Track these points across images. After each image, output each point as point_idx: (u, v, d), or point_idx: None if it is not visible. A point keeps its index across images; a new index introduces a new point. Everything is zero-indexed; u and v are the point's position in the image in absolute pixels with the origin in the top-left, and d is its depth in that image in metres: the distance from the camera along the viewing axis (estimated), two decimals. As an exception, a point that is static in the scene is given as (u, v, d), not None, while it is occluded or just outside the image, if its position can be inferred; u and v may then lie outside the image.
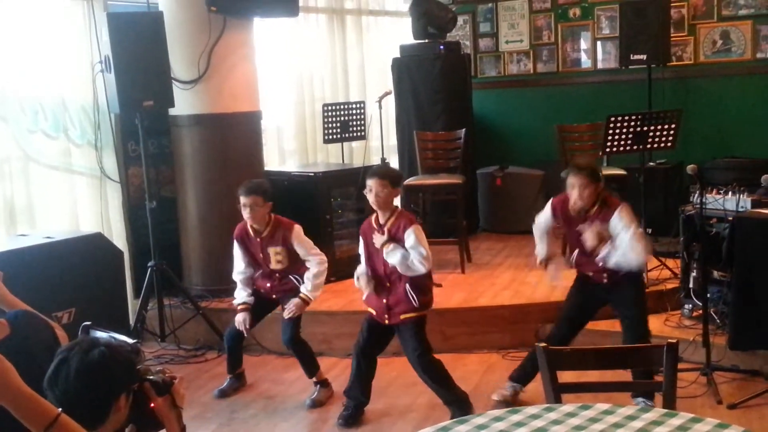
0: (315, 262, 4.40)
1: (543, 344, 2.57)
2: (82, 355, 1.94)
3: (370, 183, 3.92)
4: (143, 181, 5.46)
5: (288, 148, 7.14)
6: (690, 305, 4.89)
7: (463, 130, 6.60)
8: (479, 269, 6.14)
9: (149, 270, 5.31)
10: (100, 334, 2.93)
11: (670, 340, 2.50)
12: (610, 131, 5.34)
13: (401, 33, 7.68)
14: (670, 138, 5.40)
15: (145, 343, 5.35)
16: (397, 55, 7.28)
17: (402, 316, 3.98)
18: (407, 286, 3.94)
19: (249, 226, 4.42)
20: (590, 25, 7.67)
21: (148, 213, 5.34)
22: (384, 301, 4.00)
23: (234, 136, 5.73)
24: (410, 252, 3.85)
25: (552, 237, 4.32)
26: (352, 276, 5.94)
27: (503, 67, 8.11)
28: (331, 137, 6.70)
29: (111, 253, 5.09)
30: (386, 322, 4.04)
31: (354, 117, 6.79)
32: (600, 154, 5.84)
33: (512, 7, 8.00)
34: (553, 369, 2.55)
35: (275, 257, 4.39)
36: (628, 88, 7.11)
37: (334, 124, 6.68)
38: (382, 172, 4.01)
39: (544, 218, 4.25)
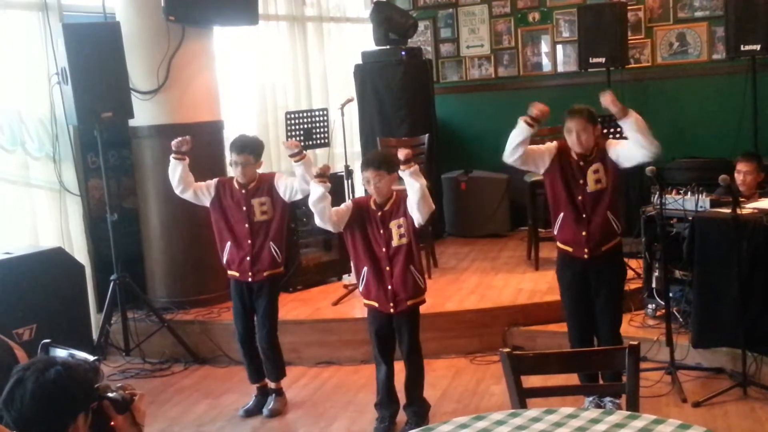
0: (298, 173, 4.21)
1: (507, 350, 2.58)
2: (38, 375, 1.90)
3: (367, 174, 3.84)
4: (104, 193, 5.38)
5: (251, 156, 7.08)
6: (653, 305, 4.94)
7: (427, 135, 6.62)
8: (445, 274, 6.16)
9: (112, 283, 5.24)
10: (60, 352, 2.89)
11: (631, 342, 2.53)
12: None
13: (363, 39, 7.68)
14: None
15: (110, 358, 5.30)
16: (359, 61, 7.28)
17: (410, 302, 3.90)
18: (411, 267, 3.87)
19: (234, 181, 4.30)
20: (549, 29, 7.74)
21: (110, 225, 5.27)
22: (389, 287, 3.87)
23: (196, 146, 5.56)
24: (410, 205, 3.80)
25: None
26: (318, 284, 5.99)
27: (465, 72, 8.16)
28: (294, 145, 6.66)
29: (72, 267, 5.01)
30: (392, 311, 3.91)
31: (317, 124, 6.76)
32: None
33: (472, 12, 8.04)
34: (518, 374, 2.56)
35: (260, 208, 4.25)
36: (588, 91, 7.10)
37: (298, 132, 6.64)
38: (378, 161, 3.88)
39: (538, 150, 4.04)
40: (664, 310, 4.57)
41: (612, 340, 3.88)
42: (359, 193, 6.84)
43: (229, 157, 4.34)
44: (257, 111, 7.05)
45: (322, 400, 4.56)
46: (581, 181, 3.92)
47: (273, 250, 4.29)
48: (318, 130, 6.75)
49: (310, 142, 6.72)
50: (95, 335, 5.28)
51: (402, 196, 3.90)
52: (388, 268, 3.89)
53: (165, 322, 5.32)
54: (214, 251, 5.73)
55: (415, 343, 3.99)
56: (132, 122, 5.54)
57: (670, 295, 4.57)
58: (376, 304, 3.94)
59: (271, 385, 4.45)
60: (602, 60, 6.83)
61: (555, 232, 4.04)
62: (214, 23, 5.82)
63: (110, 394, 2.08)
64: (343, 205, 4.00)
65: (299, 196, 4.24)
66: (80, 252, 5.54)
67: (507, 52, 7.95)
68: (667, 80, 7.26)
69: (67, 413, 1.92)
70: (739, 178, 4.98)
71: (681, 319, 4.69)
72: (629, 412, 2.34)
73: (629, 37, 7.05)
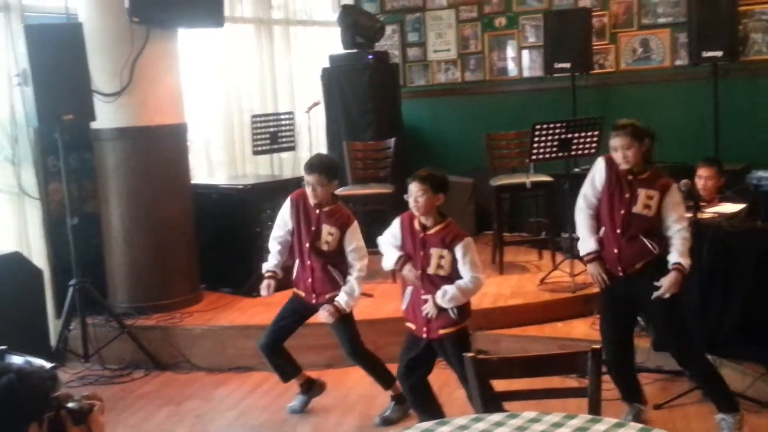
0: (357, 267, 4.12)
1: (471, 354, 2.58)
2: None
3: (411, 187, 3.67)
4: (64, 196, 5.29)
5: (216, 159, 7.04)
6: (616, 308, 4.97)
7: (393, 139, 6.62)
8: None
9: (71, 288, 5.14)
10: (16, 359, 2.82)
11: (594, 346, 2.54)
12: (536, 139, 5.43)
13: (330, 43, 7.66)
14: (594, 144, 5.52)
15: (69, 364, 5.20)
16: (327, 64, 7.26)
17: (441, 332, 3.71)
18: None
19: (309, 197, 4.12)
20: (516, 34, 7.79)
21: (70, 230, 5.18)
22: (424, 314, 3.69)
23: (159, 149, 5.61)
24: (464, 275, 3.63)
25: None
26: (282, 288, 5.91)
27: (431, 76, 8.17)
28: (260, 148, 6.63)
29: (30, 272, 4.93)
30: (424, 337, 3.75)
31: (283, 128, 6.73)
32: (527, 161, 5.94)
33: (439, 16, 8.07)
34: (482, 379, 2.56)
35: (327, 236, 4.10)
36: (554, 96, 7.24)
37: (264, 135, 6.61)
38: (423, 176, 3.72)
39: (594, 186, 3.83)
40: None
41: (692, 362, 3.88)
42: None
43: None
44: (223, 113, 7.00)
45: (285, 405, 4.51)
46: (627, 195, 3.79)
47: (337, 276, 4.16)
48: (284, 134, 6.73)
49: (276, 146, 6.70)
50: (54, 341, 5.18)
51: (454, 229, 3.73)
52: (422, 292, 3.72)
53: (125, 328, 5.24)
54: (178, 255, 5.72)
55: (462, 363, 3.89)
56: (94, 125, 5.45)
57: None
58: (413, 327, 3.81)
59: (389, 392, 4.30)
60: (567, 65, 6.89)
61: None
62: (179, 25, 5.76)
63: (70, 404, 2.04)
64: (390, 236, 3.82)
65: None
66: (39, 256, 5.44)
67: (473, 57, 7.98)
68: (631, 86, 7.34)
69: (19, 422, 1.88)
70: (700, 183, 5.03)
71: (642, 322, 4.72)
72: (591, 416, 2.34)
73: (594, 43, 7.12)
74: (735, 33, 6.52)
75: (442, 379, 4.70)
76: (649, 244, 3.76)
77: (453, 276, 3.67)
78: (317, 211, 4.13)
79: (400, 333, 5.11)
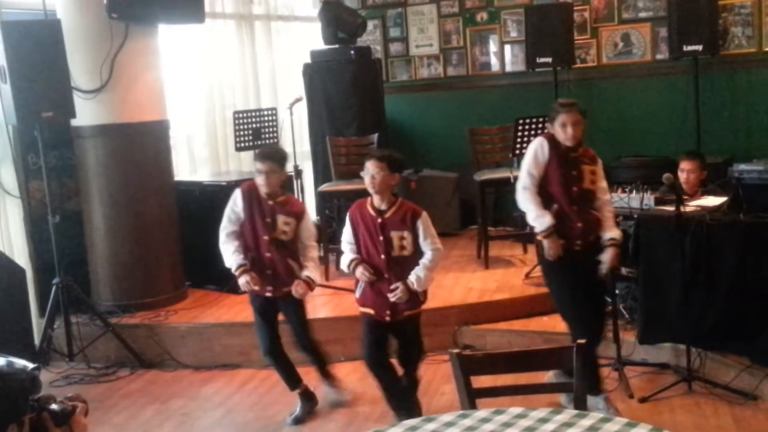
0: (313, 247, 4.22)
1: (457, 351, 2.58)
2: None
3: (368, 164, 3.74)
4: (45, 194, 5.24)
5: (199, 156, 7.00)
6: (600, 302, 5.00)
7: (376, 134, 6.61)
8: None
9: (54, 287, 5.10)
10: (-2, 359, 2.79)
11: (579, 341, 2.54)
12: (519, 133, 5.44)
13: (311, 38, 7.63)
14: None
15: (53, 364, 5.16)
16: (308, 60, 7.23)
17: (406, 313, 3.85)
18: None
19: (259, 189, 4.12)
20: (497, 29, 7.79)
21: (51, 228, 5.13)
22: (387, 296, 3.79)
23: (141, 146, 5.57)
24: (426, 251, 3.78)
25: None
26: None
27: (414, 71, 8.17)
28: (243, 145, 6.58)
29: (12, 271, 4.89)
30: (387, 319, 3.85)
31: (266, 124, 6.69)
32: (510, 156, 5.95)
33: (421, 11, 8.06)
34: (467, 374, 2.56)
35: (283, 226, 4.11)
36: (536, 91, 7.25)
37: (246, 132, 6.57)
38: (380, 154, 3.84)
39: (536, 164, 3.90)
40: (610, 307, 4.62)
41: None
42: (308, 192, 6.81)
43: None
44: (205, 109, 6.95)
45: (272, 402, 4.50)
46: (575, 173, 3.93)
47: (294, 265, 4.17)
48: (266, 130, 6.69)
49: (259, 142, 6.66)
50: (37, 340, 5.14)
51: (409, 207, 3.83)
52: (386, 276, 3.80)
53: (110, 326, 5.20)
54: (162, 253, 5.68)
55: (419, 347, 4.02)
56: (74, 122, 5.41)
57: (617, 292, 4.62)
58: (372, 312, 3.87)
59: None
60: (549, 60, 6.90)
61: None
62: (158, 21, 5.71)
63: (52, 406, 2.01)
64: (346, 231, 3.90)
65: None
66: (21, 255, 5.39)
67: (456, 52, 7.98)
68: (613, 80, 7.37)
69: None
70: (682, 176, 5.07)
71: (627, 316, 4.76)
72: (578, 411, 2.35)
73: (575, 38, 7.14)
74: (715, 27, 6.56)
75: (429, 374, 4.72)
76: (597, 217, 3.95)
77: (416, 253, 3.80)
78: (270, 202, 4.13)
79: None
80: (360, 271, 3.79)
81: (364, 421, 4.13)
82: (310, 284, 4.13)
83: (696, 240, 4.19)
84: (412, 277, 3.77)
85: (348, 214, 3.92)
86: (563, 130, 3.89)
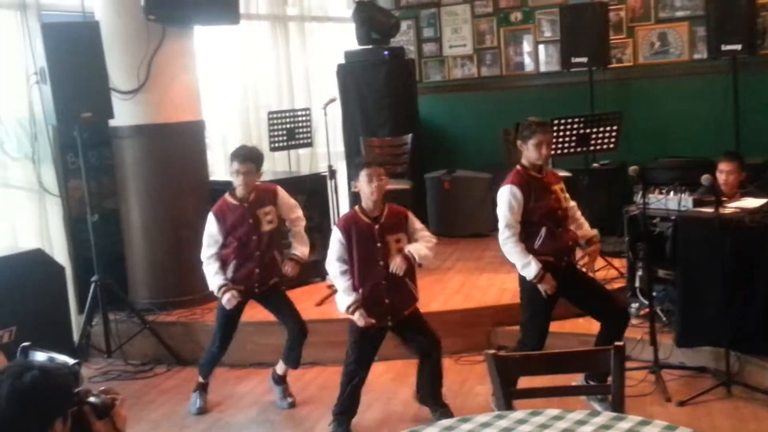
0: (300, 216, 4.41)
1: (493, 351, 2.57)
2: (14, 380, 1.86)
3: (370, 172, 3.79)
4: (84, 194, 5.32)
5: (234, 156, 7.05)
6: (637, 304, 4.95)
7: (410, 135, 6.62)
8: (430, 274, 6.12)
9: (93, 285, 5.18)
10: (39, 355, 2.84)
11: (617, 343, 2.52)
12: (554, 134, 5.39)
13: (345, 39, 7.66)
14: (612, 140, 5.49)
15: (91, 360, 5.24)
16: (342, 61, 7.25)
17: (406, 312, 3.92)
18: (407, 279, 3.88)
19: (229, 199, 4.30)
20: (532, 29, 7.75)
21: (90, 226, 5.21)
22: (387, 302, 3.86)
23: (177, 146, 5.63)
24: (422, 238, 3.88)
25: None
26: (302, 284, 5.94)
27: (447, 72, 8.15)
28: (277, 145, 6.64)
29: (52, 269, 4.96)
30: (389, 324, 3.91)
31: (300, 124, 6.74)
32: (545, 156, 5.90)
33: (455, 12, 8.04)
34: (503, 375, 2.55)
35: (266, 218, 4.29)
36: (571, 91, 7.20)
37: (280, 132, 6.62)
38: (379, 162, 4.01)
39: (515, 213, 3.91)
40: (647, 310, 4.58)
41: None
42: (342, 192, 6.83)
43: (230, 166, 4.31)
44: (239, 111, 7.01)
45: (307, 401, 4.53)
46: (554, 196, 4.00)
47: (278, 259, 4.40)
48: (301, 130, 6.74)
49: (293, 142, 6.71)
50: (76, 337, 5.22)
51: (396, 209, 3.93)
52: (384, 282, 3.85)
53: (147, 324, 5.27)
54: (196, 252, 5.72)
55: (435, 333, 4.05)
56: (112, 122, 5.48)
57: (654, 294, 4.57)
58: (373, 322, 3.88)
59: (286, 372, 4.51)
60: (584, 60, 6.84)
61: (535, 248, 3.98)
62: (194, 22, 5.77)
63: (90, 399, 2.05)
64: (332, 243, 3.91)
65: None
66: (60, 253, 5.47)
67: (489, 52, 7.95)
68: (649, 80, 7.29)
69: (44, 418, 1.89)
70: (721, 177, 4.99)
71: (665, 319, 4.70)
72: (616, 414, 2.33)
73: (611, 37, 7.08)
74: (754, 26, 6.46)
75: (463, 375, 4.72)
76: (575, 234, 4.09)
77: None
78: (245, 205, 4.27)
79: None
80: (358, 317, 3.82)
81: (398, 421, 4.12)
82: (298, 261, 4.33)
83: (735, 242, 4.13)
84: (410, 248, 3.82)
85: (338, 231, 3.86)
86: (537, 149, 3.92)
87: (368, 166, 3.84)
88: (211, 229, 4.30)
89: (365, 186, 3.80)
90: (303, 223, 4.45)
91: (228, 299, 4.24)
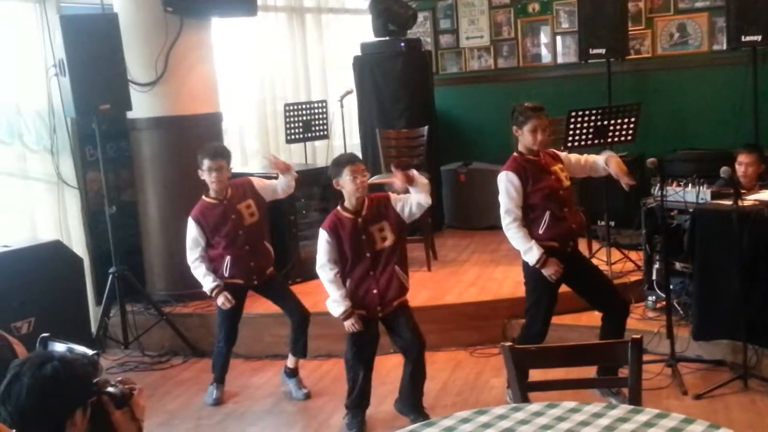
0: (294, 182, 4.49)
1: (509, 344, 2.56)
2: (35, 371, 1.88)
3: (354, 169, 3.77)
4: (102, 186, 5.36)
5: (250, 148, 7.08)
6: (654, 297, 4.93)
7: (426, 127, 6.60)
8: (445, 266, 6.14)
9: (110, 276, 5.22)
10: (58, 346, 2.87)
11: (634, 336, 2.51)
12: (572, 126, 5.36)
13: (362, 31, 7.64)
14: (630, 131, 5.44)
15: (109, 351, 5.29)
16: (358, 53, 7.24)
17: (395, 303, 3.85)
18: (396, 267, 3.83)
19: (207, 200, 4.36)
20: (549, 20, 7.70)
21: (108, 218, 5.25)
22: (374, 292, 3.83)
23: (194, 138, 5.61)
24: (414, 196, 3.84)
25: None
26: (317, 276, 5.93)
27: (464, 63, 8.12)
28: (293, 137, 6.65)
29: (70, 260, 5.00)
30: (380, 315, 3.88)
31: (316, 116, 6.75)
32: (561, 148, 5.87)
33: (472, 3, 8.00)
34: (520, 368, 2.55)
35: (247, 211, 4.35)
36: (588, 82, 7.15)
37: (297, 124, 6.63)
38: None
39: (512, 198, 3.94)
40: (664, 303, 4.56)
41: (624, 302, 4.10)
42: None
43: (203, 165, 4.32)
44: (256, 102, 7.02)
45: (321, 392, 4.54)
46: (553, 177, 3.97)
47: (269, 248, 4.48)
48: (317, 122, 6.74)
49: (309, 135, 6.72)
50: (94, 328, 5.27)
51: (376, 197, 3.90)
52: (371, 273, 3.84)
53: (164, 315, 5.30)
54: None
55: (418, 330, 3.96)
56: (130, 114, 5.52)
57: (671, 287, 4.55)
58: (364, 312, 3.88)
59: (297, 363, 4.56)
60: (602, 51, 6.77)
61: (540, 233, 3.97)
62: (212, 14, 5.79)
63: (109, 389, 2.07)
64: (321, 246, 3.87)
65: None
66: (79, 245, 5.52)
67: (506, 44, 7.91)
68: (668, 71, 7.23)
69: (64, 408, 1.91)
70: (740, 169, 4.95)
71: (681, 312, 4.68)
72: (632, 407, 2.32)
73: (629, 28, 6.99)
74: (775, 16, 6.37)
75: (478, 367, 4.72)
76: (582, 216, 4.09)
77: (396, 245, 3.83)
78: (225, 203, 4.31)
79: (434, 321, 5.13)
80: (350, 323, 3.83)
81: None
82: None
83: (754, 234, 4.09)
84: (413, 171, 3.82)
85: (325, 233, 3.83)
86: (533, 135, 3.93)
87: (352, 163, 3.80)
88: (193, 233, 4.37)
89: (349, 184, 3.78)
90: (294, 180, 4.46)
91: (222, 302, 4.33)
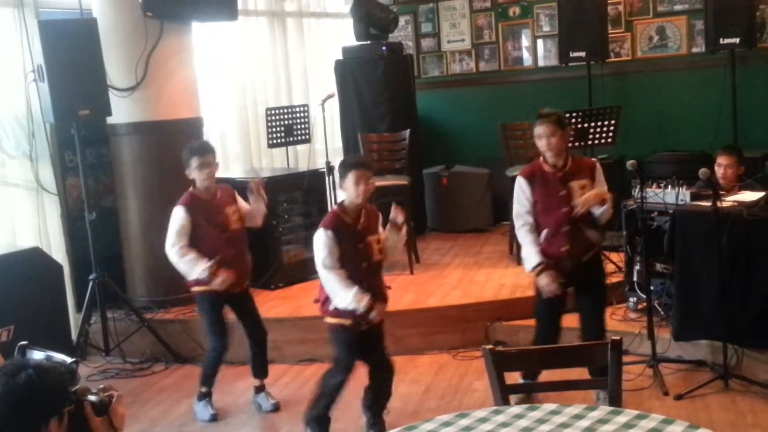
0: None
1: (489, 347, 2.57)
2: (8, 380, 1.87)
3: (359, 174, 3.65)
4: (82, 191, 5.32)
5: (232, 153, 7.04)
6: (635, 298, 4.96)
7: (408, 130, 6.60)
8: (428, 269, 6.14)
9: (91, 283, 5.18)
10: (37, 354, 2.84)
11: (613, 338, 2.52)
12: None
13: (343, 35, 7.65)
14: (611, 134, 5.49)
15: (90, 358, 5.24)
16: (340, 57, 7.24)
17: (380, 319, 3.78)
18: (383, 282, 3.81)
19: (197, 194, 4.19)
20: (530, 23, 7.74)
21: (88, 224, 5.20)
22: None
23: (175, 143, 5.56)
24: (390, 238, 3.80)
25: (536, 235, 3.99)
26: (300, 281, 5.94)
27: (446, 67, 8.14)
28: (275, 141, 6.64)
29: (50, 267, 4.95)
30: (364, 328, 3.72)
31: (298, 120, 6.73)
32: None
33: (453, 6, 8.03)
34: (500, 370, 2.55)
35: (234, 216, 4.25)
36: (569, 85, 7.20)
37: (278, 128, 6.62)
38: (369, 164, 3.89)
39: (522, 204, 3.95)
40: (645, 304, 4.59)
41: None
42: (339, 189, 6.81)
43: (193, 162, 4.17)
44: (237, 107, 7.00)
45: (305, 398, 4.51)
46: (563, 193, 3.90)
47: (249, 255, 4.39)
48: (299, 127, 6.73)
49: (291, 139, 6.70)
50: (74, 335, 5.22)
51: (372, 209, 3.81)
52: (363, 281, 3.69)
53: (145, 322, 5.27)
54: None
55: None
56: (110, 120, 5.48)
57: (651, 288, 4.58)
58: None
59: (264, 382, 4.47)
60: (583, 54, 6.84)
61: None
62: (192, 19, 5.76)
63: (90, 397, 2.05)
64: (325, 246, 3.66)
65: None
66: (58, 251, 5.47)
67: (488, 47, 7.94)
68: (648, 74, 7.28)
69: (39, 417, 1.89)
70: (719, 171, 4.99)
71: (662, 312, 4.70)
72: (612, 408, 2.33)
73: (609, 31, 7.07)
74: (752, 19, 6.45)
75: (461, 370, 4.72)
76: (589, 238, 3.94)
77: (383, 261, 3.77)
78: (213, 203, 4.22)
79: (417, 325, 5.14)
80: (372, 312, 3.64)
81: (394, 418, 4.12)
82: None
83: (733, 235, 4.13)
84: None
85: (329, 233, 3.63)
86: (538, 142, 3.91)
87: (358, 167, 3.66)
88: (181, 221, 4.11)
89: (352, 187, 3.64)
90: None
91: (223, 279, 4.07)
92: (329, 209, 6.04)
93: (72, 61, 4.92)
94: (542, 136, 3.88)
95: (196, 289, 4.25)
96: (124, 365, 5.18)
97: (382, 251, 3.77)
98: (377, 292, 3.72)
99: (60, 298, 5.02)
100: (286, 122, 6.65)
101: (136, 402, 4.57)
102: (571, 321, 4.89)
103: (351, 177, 3.66)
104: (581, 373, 3.14)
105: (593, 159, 4.08)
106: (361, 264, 3.68)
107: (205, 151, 4.20)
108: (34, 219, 5.40)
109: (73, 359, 2.80)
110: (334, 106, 7.17)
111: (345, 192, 3.73)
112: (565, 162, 3.94)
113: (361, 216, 3.73)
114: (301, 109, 6.80)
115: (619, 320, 4.89)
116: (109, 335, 5.21)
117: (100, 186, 5.83)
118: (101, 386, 2.06)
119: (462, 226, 7.37)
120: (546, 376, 3.72)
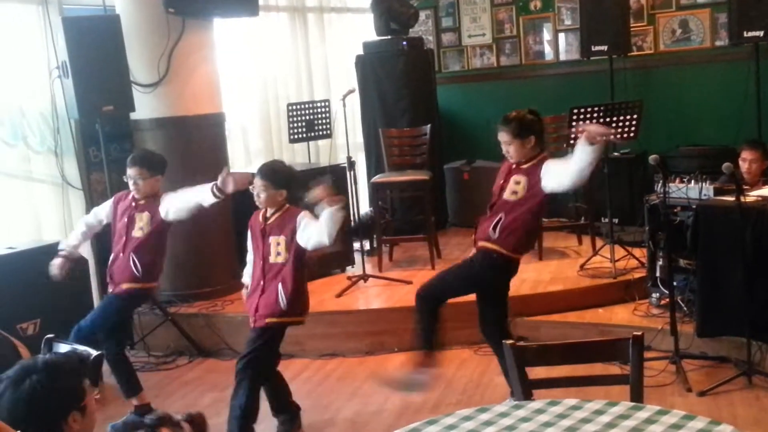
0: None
1: (511, 342, 2.57)
2: (13, 389, 1.89)
3: (255, 181, 3.78)
4: (106, 186, 5.38)
5: (254, 148, 7.09)
6: (657, 294, 4.93)
7: (429, 125, 6.60)
8: (449, 264, 6.12)
9: (115, 277, 5.23)
10: (63, 347, 2.89)
11: (635, 333, 2.52)
12: (573, 123, 5.36)
13: (364, 30, 7.65)
14: (633, 128, 5.44)
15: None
16: (361, 52, 7.25)
17: (267, 320, 3.75)
18: (279, 285, 3.72)
19: (131, 195, 4.33)
20: (551, 17, 7.70)
21: (112, 219, 5.25)
22: (255, 301, 3.79)
23: (197, 139, 5.66)
24: (314, 224, 3.65)
25: None
26: (322, 276, 5.97)
27: (467, 62, 8.12)
28: (296, 136, 6.66)
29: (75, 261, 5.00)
30: (252, 325, 3.80)
31: (319, 115, 6.76)
32: (564, 146, 5.88)
33: (473, 1, 8.00)
34: (522, 365, 2.56)
35: (139, 223, 4.30)
36: (591, 79, 7.15)
37: (300, 124, 6.64)
38: (265, 171, 3.80)
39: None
40: (668, 299, 4.56)
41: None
42: (361, 183, 6.84)
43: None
44: (258, 103, 7.03)
45: (327, 392, 4.56)
46: (502, 182, 3.94)
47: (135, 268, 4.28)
48: (320, 122, 6.75)
49: (312, 134, 6.73)
50: (99, 329, 5.27)
51: (291, 210, 3.78)
52: (262, 283, 3.77)
53: (169, 316, 5.32)
54: (218, 244, 5.78)
55: (250, 355, 3.80)
56: (133, 115, 5.53)
57: (674, 283, 4.55)
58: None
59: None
60: (604, 48, 6.76)
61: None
62: (214, 15, 5.80)
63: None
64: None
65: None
66: (83, 245, 5.51)
67: (509, 41, 7.91)
68: (670, 67, 7.22)
69: (54, 418, 1.91)
70: (743, 165, 4.95)
71: (685, 308, 4.67)
72: (633, 403, 2.33)
73: (631, 25, 6.99)
74: (777, 12, 6.36)
75: (482, 366, 4.73)
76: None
77: (289, 260, 3.73)
78: (132, 205, 4.32)
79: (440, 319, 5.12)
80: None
81: (415, 412, 4.14)
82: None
83: (757, 230, 4.09)
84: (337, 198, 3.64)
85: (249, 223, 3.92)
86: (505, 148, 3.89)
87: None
88: (102, 207, 4.43)
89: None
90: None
91: (57, 264, 4.25)
92: (349, 204, 6.10)
93: (96, 58, 4.97)
94: (501, 142, 3.87)
95: None
96: (148, 359, 5.24)
97: (280, 256, 3.78)
98: (266, 296, 3.79)
99: (85, 291, 5.09)
100: (308, 117, 6.67)
101: (159, 395, 4.62)
102: (578, 317, 4.90)
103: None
104: (604, 368, 3.15)
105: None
106: (259, 260, 3.83)
107: (132, 163, 4.28)
108: (59, 213, 5.47)
109: (98, 352, 2.84)
110: (355, 101, 7.19)
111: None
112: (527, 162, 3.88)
113: (272, 217, 3.83)
114: (323, 104, 6.82)
115: (641, 316, 4.87)
116: (133, 329, 5.27)
117: (123, 181, 5.86)
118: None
119: (483, 221, 7.34)
120: (566, 371, 3.72)
